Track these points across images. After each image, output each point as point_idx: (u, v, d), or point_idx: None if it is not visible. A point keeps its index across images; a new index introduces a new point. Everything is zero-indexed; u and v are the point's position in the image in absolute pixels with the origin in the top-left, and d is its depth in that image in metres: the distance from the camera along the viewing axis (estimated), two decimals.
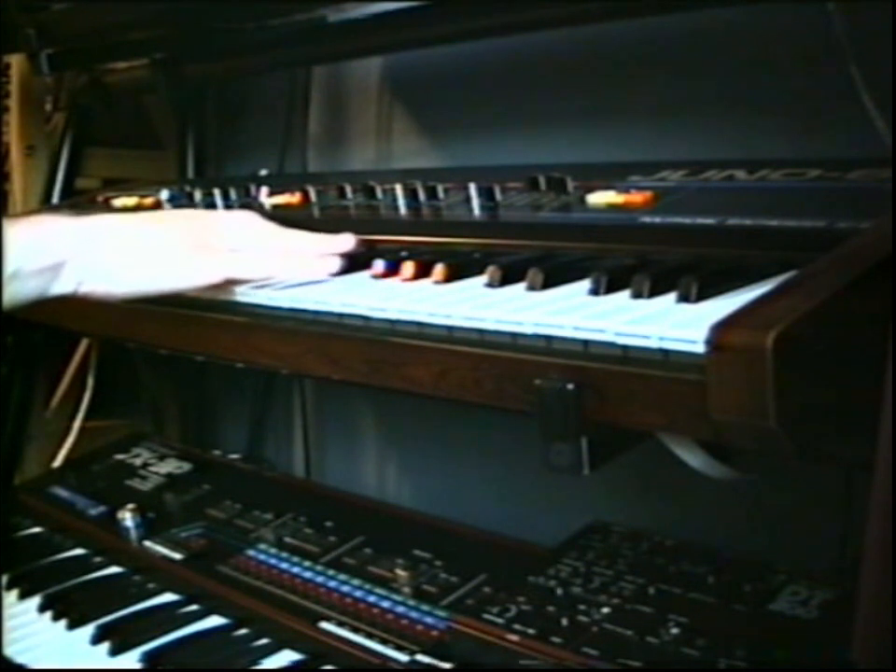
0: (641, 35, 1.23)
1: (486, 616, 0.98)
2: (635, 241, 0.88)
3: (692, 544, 1.06)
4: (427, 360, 0.80)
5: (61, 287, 0.95)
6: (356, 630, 1.07)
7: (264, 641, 1.13)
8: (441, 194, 1.11)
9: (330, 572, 1.20)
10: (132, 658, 1.13)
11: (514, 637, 0.93)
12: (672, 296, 0.73)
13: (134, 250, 0.96)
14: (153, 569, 1.31)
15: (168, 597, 1.25)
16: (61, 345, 1.88)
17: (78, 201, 1.71)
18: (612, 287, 0.78)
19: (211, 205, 1.31)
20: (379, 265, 0.95)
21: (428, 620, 1.06)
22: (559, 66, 1.35)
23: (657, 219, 0.89)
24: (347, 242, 1.01)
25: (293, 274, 0.99)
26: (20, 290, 0.92)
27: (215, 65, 1.70)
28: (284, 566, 1.23)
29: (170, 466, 1.63)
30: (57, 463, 1.84)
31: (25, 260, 0.92)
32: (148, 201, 1.46)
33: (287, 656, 1.10)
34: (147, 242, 0.97)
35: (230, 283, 0.99)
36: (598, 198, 0.96)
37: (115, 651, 1.14)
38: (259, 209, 1.20)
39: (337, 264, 0.99)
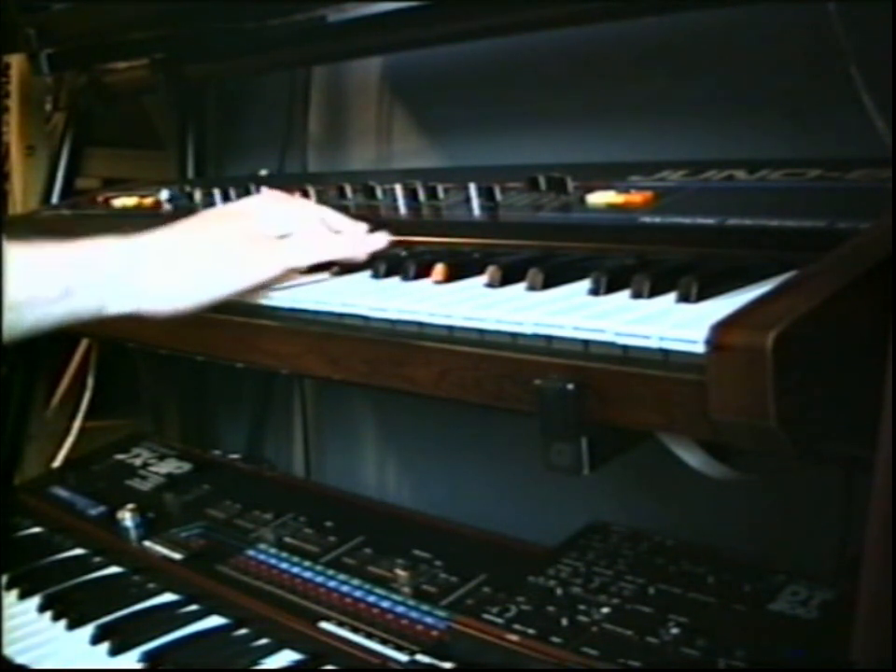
0: (641, 35, 1.23)
1: (486, 616, 0.97)
2: (635, 241, 0.88)
3: (692, 544, 1.06)
4: (427, 360, 0.80)
5: (119, 306, 0.93)
6: (356, 630, 1.07)
7: (264, 641, 1.13)
8: (441, 194, 1.11)
9: (330, 572, 1.20)
10: (132, 658, 1.13)
11: (514, 637, 0.93)
12: (672, 296, 0.73)
13: (189, 263, 0.94)
14: (153, 569, 1.31)
15: (168, 597, 1.25)
16: (61, 345, 1.88)
17: (78, 201, 1.71)
18: (612, 287, 0.78)
19: (211, 206, 1.31)
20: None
21: (428, 620, 1.06)
22: (559, 66, 1.35)
23: (657, 219, 0.89)
24: (381, 240, 1.01)
25: (344, 253, 0.99)
26: (77, 306, 0.91)
27: (215, 65, 1.70)
28: (284, 566, 1.23)
29: (170, 466, 1.63)
30: (57, 463, 1.84)
31: (76, 278, 0.91)
32: (148, 201, 1.47)
33: (286, 656, 1.10)
34: (200, 251, 0.95)
35: (289, 271, 0.97)
36: (598, 198, 0.96)
37: (115, 651, 1.14)
38: None
39: (384, 241, 1.00)
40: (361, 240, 1.00)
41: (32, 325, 0.90)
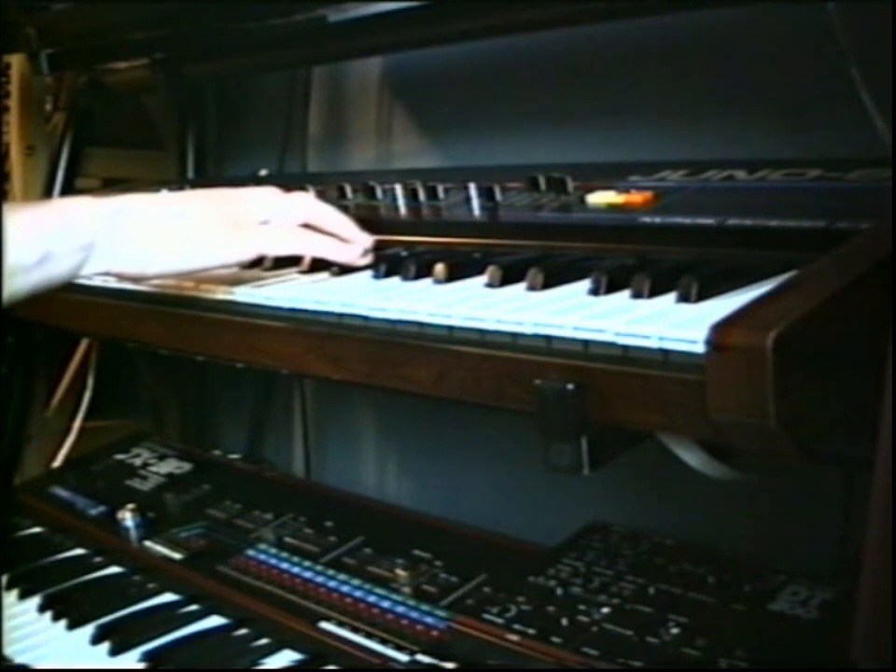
0: (641, 35, 1.23)
1: (486, 616, 0.98)
2: (635, 241, 0.88)
3: (692, 544, 1.06)
4: (427, 360, 0.80)
5: (92, 267, 0.94)
6: (356, 630, 1.07)
7: (264, 641, 1.13)
8: (441, 194, 1.11)
9: (330, 572, 1.20)
10: (132, 658, 1.13)
11: (514, 637, 0.93)
12: (672, 296, 0.73)
13: (165, 229, 0.96)
14: (153, 569, 1.31)
15: (168, 597, 1.25)
16: (61, 345, 1.88)
17: None
18: (612, 287, 0.78)
19: None
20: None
21: (428, 620, 1.06)
22: (559, 66, 1.35)
23: (657, 219, 0.89)
24: (367, 240, 1.01)
25: (322, 252, 0.99)
26: (53, 272, 0.92)
27: (215, 65, 1.70)
28: (284, 566, 1.23)
29: (170, 466, 1.63)
30: (57, 463, 1.84)
31: (55, 243, 0.91)
32: None
33: (287, 656, 1.10)
34: (178, 221, 0.96)
35: (261, 258, 0.99)
36: (598, 198, 0.96)
37: (115, 651, 1.14)
38: None
39: (360, 253, 0.99)
40: (340, 246, 1.00)
41: (8, 295, 0.90)
